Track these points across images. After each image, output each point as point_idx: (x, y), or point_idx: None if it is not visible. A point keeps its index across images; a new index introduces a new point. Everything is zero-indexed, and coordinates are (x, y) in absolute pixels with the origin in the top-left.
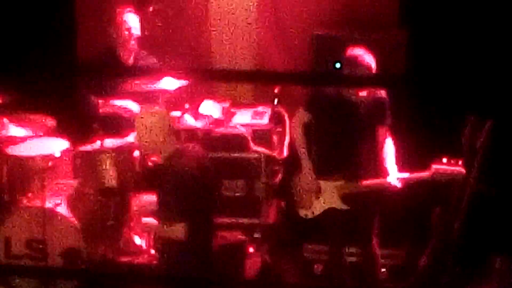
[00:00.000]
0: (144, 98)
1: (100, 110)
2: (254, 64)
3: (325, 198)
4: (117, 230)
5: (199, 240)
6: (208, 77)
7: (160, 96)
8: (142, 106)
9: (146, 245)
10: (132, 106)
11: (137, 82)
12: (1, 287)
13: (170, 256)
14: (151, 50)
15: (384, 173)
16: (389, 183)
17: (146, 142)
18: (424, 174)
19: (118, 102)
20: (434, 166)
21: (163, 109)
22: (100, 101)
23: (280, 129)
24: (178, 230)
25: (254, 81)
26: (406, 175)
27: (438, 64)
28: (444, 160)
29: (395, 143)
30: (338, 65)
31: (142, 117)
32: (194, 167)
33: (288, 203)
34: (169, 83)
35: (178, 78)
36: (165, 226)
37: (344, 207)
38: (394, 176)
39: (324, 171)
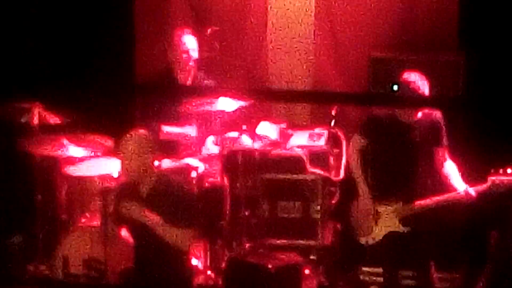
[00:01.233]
0: (202, 119)
1: (160, 136)
2: (311, 85)
3: (385, 222)
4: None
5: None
6: (265, 98)
7: (218, 118)
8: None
9: (202, 266)
10: (191, 131)
11: (194, 104)
12: None
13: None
14: (209, 72)
15: (449, 191)
16: (462, 196)
17: (129, 167)
18: (482, 186)
19: (177, 129)
20: (491, 178)
21: (144, 132)
22: (159, 127)
23: (337, 151)
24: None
25: (311, 102)
26: (472, 189)
27: (494, 87)
28: (501, 171)
29: (451, 158)
30: (395, 87)
31: (126, 141)
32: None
33: (345, 226)
34: (227, 105)
35: (236, 98)
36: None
37: (405, 229)
38: (465, 189)
39: (382, 194)
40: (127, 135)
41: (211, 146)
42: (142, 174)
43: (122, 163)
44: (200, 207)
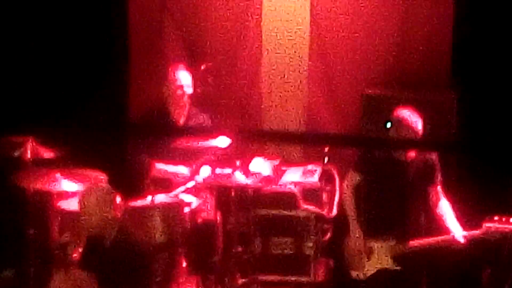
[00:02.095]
0: (196, 155)
1: (152, 173)
2: (304, 122)
3: (377, 259)
4: (166, 286)
5: None
6: (258, 137)
7: (211, 153)
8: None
9: None
10: (183, 170)
11: (187, 139)
12: None
13: None
14: (203, 108)
15: (442, 231)
16: (454, 239)
17: (90, 220)
18: (476, 232)
19: (169, 167)
20: (486, 225)
21: (106, 186)
22: (151, 163)
23: (330, 188)
24: None
25: (304, 143)
26: (465, 233)
27: (489, 126)
28: (496, 218)
29: (447, 198)
30: (389, 125)
31: (85, 195)
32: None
33: (338, 262)
34: (221, 141)
35: (229, 137)
36: None
37: (397, 267)
38: (459, 232)
39: (376, 231)
40: (86, 189)
41: (204, 178)
42: (104, 229)
43: (82, 220)
44: (152, 268)
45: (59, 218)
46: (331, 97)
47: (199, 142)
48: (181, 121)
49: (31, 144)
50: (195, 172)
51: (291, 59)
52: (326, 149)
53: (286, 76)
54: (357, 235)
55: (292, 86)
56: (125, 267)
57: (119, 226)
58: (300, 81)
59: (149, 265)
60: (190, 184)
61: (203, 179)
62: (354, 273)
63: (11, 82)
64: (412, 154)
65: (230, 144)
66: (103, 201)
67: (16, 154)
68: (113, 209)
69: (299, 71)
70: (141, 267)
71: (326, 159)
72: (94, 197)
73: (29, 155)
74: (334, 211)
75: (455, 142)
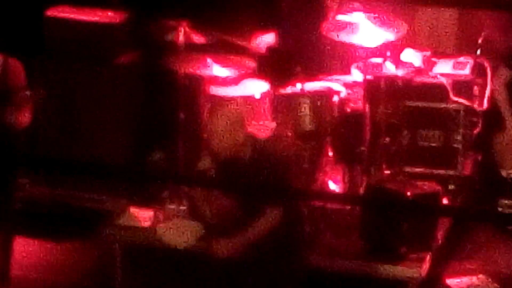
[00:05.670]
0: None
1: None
2: None
3: None
4: (312, 174)
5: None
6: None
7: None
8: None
9: (340, 191)
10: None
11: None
12: None
13: None
14: None
15: None
16: None
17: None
18: None
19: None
20: None
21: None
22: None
23: (481, 81)
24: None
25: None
26: None
27: None
28: None
29: None
30: None
31: (218, 109)
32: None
33: (486, 158)
34: (370, 38)
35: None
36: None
37: None
38: None
39: None
40: (215, 110)
41: (354, 72)
42: (238, 148)
43: (214, 141)
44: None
45: (209, 103)
46: None
47: (350, 36)
48: None
49: (183, 28)
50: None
51: None
52: (479, 41)
53: None
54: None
55: None
56: (265, 182)
57: (253, 143)
58: None
59: (288, 176)
60: (339, 77)
61: (353, 69)
62: (503, 170)
63: None
64: None
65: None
66: (235, 121)
67: (169, 37)
68: (245, 127)
69: None
70: (281, 180)
71: (478, 51)
72: (225, 119)
73: (181, 39)
74: (485, 104)
75: None
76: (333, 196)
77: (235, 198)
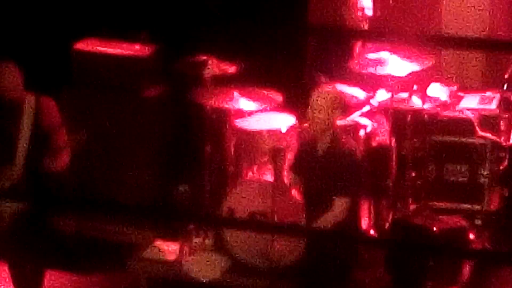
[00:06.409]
0: (371, 82)
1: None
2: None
3: None
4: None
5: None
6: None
7: (388, 81)
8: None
9: (366, 225)
10: (359, 93)
11: (365, 64)
12: None
13: None
14: (381, 30)
15: None
16: None
17: (316, 121)
18: None
19: (346, 89)
20: None
21: (336, 90)
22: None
23: (508, 116)
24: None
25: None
26: None
27: None
28: None
29: None
30: None
31: (317, 98)
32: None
33: None
34: (397, 69)
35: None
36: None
37: None
38: None
39: None
40: (319, 90)
41: (381, 106)
42: (324, 130)
43: (309, 114)
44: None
45: (235, 137)
46: None
47: (376, 68)
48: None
49: (211, 62)
50: (371, 95)
51: None
52: (506, 75)
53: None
54: None
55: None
56: (336, 176)
57: (333, 135)
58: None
59: (360, 173)
60: (366, 108)
61: (379, 103)
62: None
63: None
64: None
65: (407, 74)
66: (333, 104)
67: (196, 71)
68: (337, 115)
69: None
70: (352, 178)
71: (505, 86)
72: (326, 97)
73: (208, 73)
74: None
75: None
76: (361, 238)
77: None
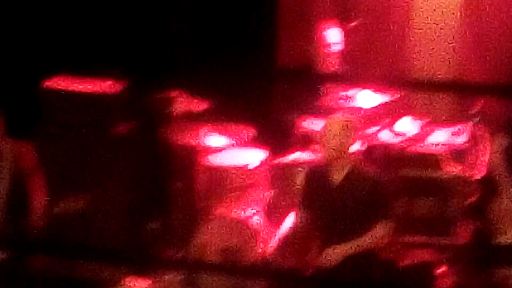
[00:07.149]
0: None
1: (298, 130)
2: (453, 77)
3: None
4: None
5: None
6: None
7: (356, 113)
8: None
9: None
10: None
11: (334, 98)
12: None
13: None
14: (351, 65)
15: None
16: None
17: (331, 149)
18: None
19: (316, 125)
20: None
21: (350, 117)
22: (297, 120)
23: (478, 149)
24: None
25: (454, 92)
26: None
27: None
28: None
29: None
30: None
31: (330, 124)
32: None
33: (482, 226)
34: (365, 101)
35: (377, 89)
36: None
37: None
38: None
39: None
40: (333, 116)
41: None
42: (338, 158)
43: (323, 141)
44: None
45: (205, 173)
46: (483, 50)
47: (345, 101)
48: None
49: (181, 98)
50: None
51: (442, 13)
52: (475, 110)
53: (437, 28)
54: (507, 198)
55: (442, 40)
56: (351, 209)
57: (352, 165)
58: (451, 35)
59: (383, 209)
60: None
61: None
62: (500, 238)
63: (163, 36)
64: None
65: (377, 105)
66: (346, 130)
67: (165, 108)
68: (351, 141)
69: (450, 25)
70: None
71: (475, 120)
72: (340, 124)
73: (178, 109)
74: (481, 173)
75: None
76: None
77: None
